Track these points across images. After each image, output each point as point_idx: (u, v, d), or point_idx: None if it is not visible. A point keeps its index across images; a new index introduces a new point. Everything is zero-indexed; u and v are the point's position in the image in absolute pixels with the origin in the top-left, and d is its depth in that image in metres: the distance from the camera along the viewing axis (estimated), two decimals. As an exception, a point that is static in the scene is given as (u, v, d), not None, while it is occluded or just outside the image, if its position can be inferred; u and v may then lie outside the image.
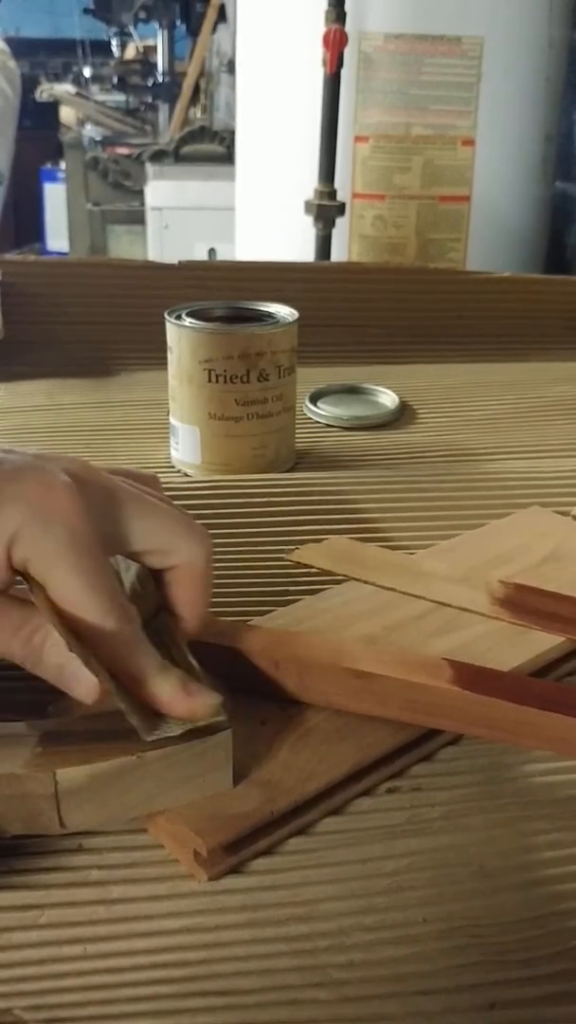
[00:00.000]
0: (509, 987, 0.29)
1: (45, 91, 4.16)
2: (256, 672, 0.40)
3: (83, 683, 0.34)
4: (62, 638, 0.33)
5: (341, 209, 1.25)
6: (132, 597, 0.38)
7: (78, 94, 4.23)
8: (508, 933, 0.31)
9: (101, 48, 4.85)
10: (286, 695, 0.39)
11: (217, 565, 0.53)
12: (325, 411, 0.77)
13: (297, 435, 0.69)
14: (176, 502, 0.59)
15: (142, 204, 2.82)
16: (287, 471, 0.67)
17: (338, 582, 0.49)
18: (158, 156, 2.79)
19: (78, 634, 0.33)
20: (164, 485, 0.62)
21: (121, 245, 3.16)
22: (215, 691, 0.34)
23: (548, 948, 0.31)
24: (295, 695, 0.39)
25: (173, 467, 0.67)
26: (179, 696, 0.34)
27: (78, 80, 4.71)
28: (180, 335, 0.64)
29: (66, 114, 4.27)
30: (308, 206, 1.25)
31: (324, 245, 1.27)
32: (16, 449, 0.37)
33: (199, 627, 0.39)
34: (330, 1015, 0.29)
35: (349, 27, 1.17)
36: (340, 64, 1.18)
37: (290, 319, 0.65)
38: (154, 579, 0.39)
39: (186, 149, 2.76)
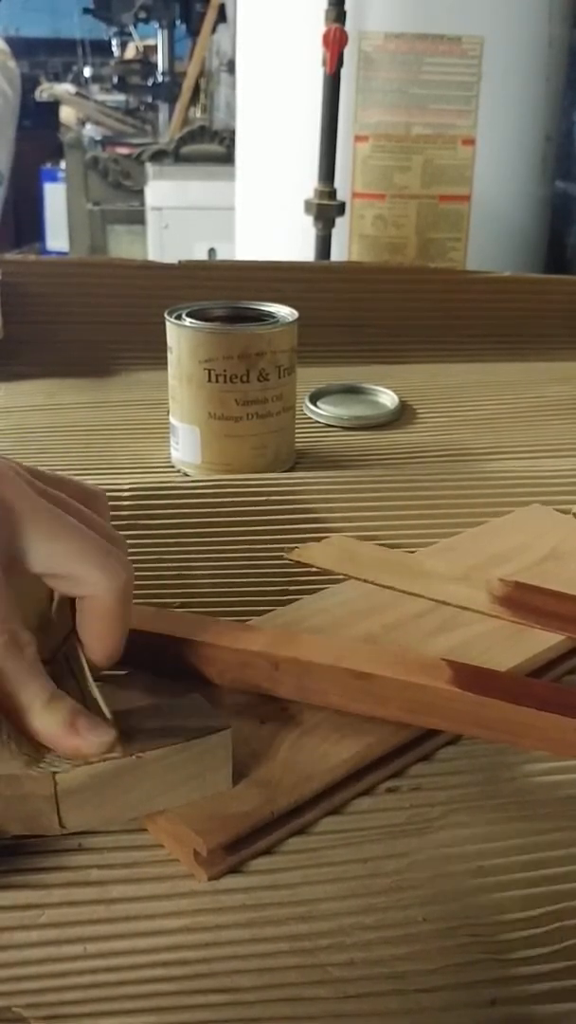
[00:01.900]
0: (509, 984, 0.29)
1: (45, 91, 4.15)
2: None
3: None
4: None
5: (341, 209, 1.25)
6: (47, 618, 0.37)
7: (78, 94, 4.22)
8: (508, 932, 0.31)
9: (101, 48, 4.85)
10: (286, 695, 0.39)
11: (217, 565, 0.53)
12: (325, 411, 0.77)
13: (297, 435, 0.69)
14: (176, 502, 0.60)
15: (142, 204, 2.82)
16: (287, 471, 0.67)
17: (337, 581, 0.49)
18: (158, 156, 2.79)
19: None
20: (164, 485, 0.63)
21: (121, 245, 3.15)
22: (108, 727, 0.32)
23: (548, 946, 0.31)
24: (295, 695, 0.39)
25: (173, 467, 0.67)
26: (62, 732, 0.32)
27: (78, 80, 4.70)
28: (180, 335, 0.64)
29: (66, 114, 4.25)
30: (308, 206, 1.25)
31: (324, 245, 1.27)
32: None
33: (107, 662, 0.37)
34: (331, 1011, 0.29)
35: (349, 26, 1.17)
36: (340, 64, 1.18)
37: (290, 319, 0.65)
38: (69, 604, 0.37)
39: (186, 149, 2.76)
